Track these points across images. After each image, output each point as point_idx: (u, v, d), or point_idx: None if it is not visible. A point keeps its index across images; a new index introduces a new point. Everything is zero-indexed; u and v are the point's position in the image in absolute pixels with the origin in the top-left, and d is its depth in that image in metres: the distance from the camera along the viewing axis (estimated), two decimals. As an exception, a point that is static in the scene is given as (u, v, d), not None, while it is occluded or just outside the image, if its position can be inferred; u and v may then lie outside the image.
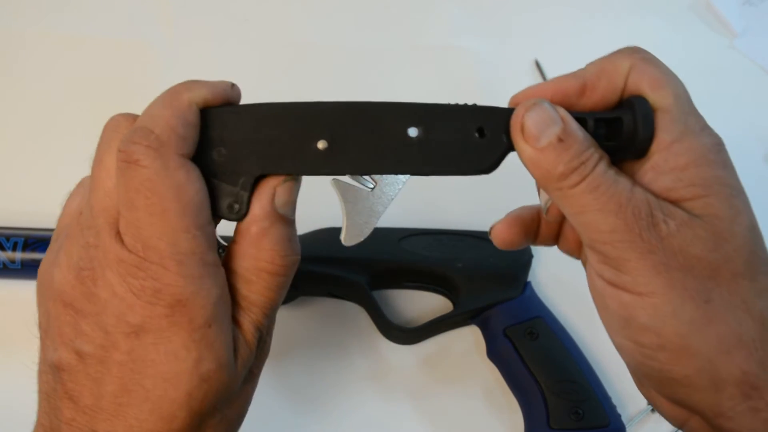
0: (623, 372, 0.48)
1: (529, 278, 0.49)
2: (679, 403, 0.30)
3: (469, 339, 0.48)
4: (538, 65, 0.58)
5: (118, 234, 0.29)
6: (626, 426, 0.44)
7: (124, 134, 0.29)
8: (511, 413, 0.46)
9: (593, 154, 0.29)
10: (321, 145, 0.30)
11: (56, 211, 0.50)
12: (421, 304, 0.50)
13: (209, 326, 0.29)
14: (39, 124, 0.55)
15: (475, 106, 0.31)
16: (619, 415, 0.43)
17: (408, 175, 0.31)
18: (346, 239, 0.31)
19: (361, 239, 0.31)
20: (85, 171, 0.53)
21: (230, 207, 0.30)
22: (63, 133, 0.54)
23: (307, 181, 0.33)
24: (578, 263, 0.53)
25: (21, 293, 0.49)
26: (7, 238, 0.47)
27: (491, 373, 0.46)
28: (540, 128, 0.29)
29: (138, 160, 0.28)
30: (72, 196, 0.35)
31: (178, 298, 0.28)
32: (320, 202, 0.39)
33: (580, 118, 0.29)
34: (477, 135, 0.30)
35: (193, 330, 0.29)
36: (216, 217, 0.31)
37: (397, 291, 0.50)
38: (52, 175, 0.54)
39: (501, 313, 0.45)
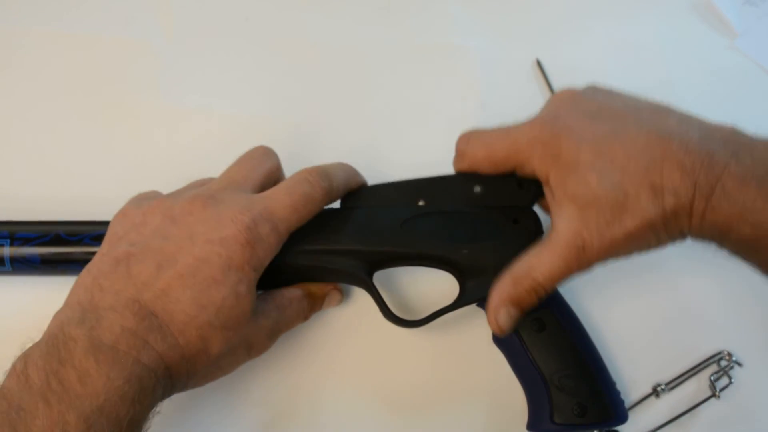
0: (629, 357, 0.47)
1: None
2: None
3: (475, 323, 0.48)
4: (539, 65, 0.58)
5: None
6: (628, 412, 0.42)
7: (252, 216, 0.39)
8: (513, 408, 0.45)
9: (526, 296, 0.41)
10: None
11: (56, 209, 0.50)
12: (426, 281, 0.49)
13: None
14: (38, 122, 0.55)
15: (517, 207, 0.44)
16: (623, 403, 0.42)
17: None
18: None
19: None
20: (84, 168, 0.53)
21: None
22: (62, 132, 0.54)
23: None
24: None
25: (12, 293, 0.49)
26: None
27: (497, 360, 0.45)
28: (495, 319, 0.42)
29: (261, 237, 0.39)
30: None
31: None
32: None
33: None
34: (513, 222, 0.44)
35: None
36: None
37: (401, 269, 0.49)
38: (51, 174, 0.54)
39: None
